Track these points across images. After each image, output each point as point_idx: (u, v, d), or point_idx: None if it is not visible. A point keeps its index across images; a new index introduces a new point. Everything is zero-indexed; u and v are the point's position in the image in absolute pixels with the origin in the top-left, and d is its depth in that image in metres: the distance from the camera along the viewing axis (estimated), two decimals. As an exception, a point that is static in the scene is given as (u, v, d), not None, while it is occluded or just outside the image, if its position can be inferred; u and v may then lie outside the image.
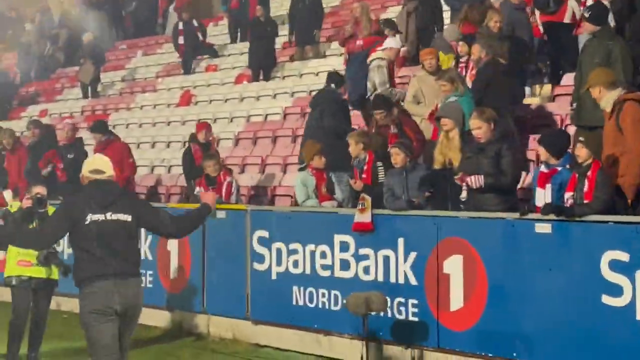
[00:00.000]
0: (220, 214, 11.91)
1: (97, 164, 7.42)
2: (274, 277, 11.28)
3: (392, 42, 13.01)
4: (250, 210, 11.73)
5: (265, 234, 11.39)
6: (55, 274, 10.10)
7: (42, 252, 9.63)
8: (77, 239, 7.10)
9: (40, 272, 10.03)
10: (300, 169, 11.62)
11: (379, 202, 10.14)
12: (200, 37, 22.11)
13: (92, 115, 21.53)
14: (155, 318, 12.75)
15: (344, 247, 10.48)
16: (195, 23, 21.90)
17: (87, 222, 7.01)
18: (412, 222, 9.90)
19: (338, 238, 10.55)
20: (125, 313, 7.06)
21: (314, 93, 17.55)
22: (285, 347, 11.16)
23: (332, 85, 12.50)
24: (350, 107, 13.00)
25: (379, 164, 10.48)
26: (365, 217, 10.06)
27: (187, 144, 14.62)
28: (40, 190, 9.83)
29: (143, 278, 12.75)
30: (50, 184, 12.06)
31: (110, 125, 20.08)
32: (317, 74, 18.70)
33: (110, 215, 7.06)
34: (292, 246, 11.07)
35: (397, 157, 10.15)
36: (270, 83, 19.04)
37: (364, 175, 10.53)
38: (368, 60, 12.84)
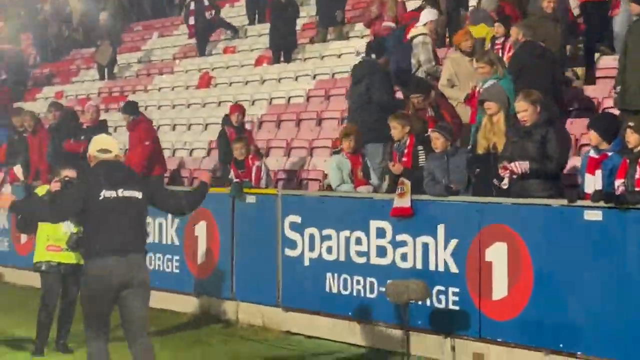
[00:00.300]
0: (250, 199, 11.71)
1: (105, 143, 7.63)
2: (306, 263, 11.02)
3: (430, 14, 12.67)
4: (281, 194, 11.44)
5: (297, 219, 11.12)
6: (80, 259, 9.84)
7: (72, 237, 9.37)
8: (89, 215, 7.29)
9: (69, 258, 9.78)
10: (335, 152, 11.31)
11: (419, 187, 9.85)
12: (212, 15, 21.56)
13: (109, 97, 21.28)
14: (182, 304, 12.54)
15: (381, 233, 10.20)
16: (206, 2, 21.43)
17: (100, 199, 7.23)
18: (453, 208, 9.62)
19: (374, 224, 10.27)
20: (128, 285, 7.24)
21: (338, 75, 17.43)
22: (317, 335, 10.92)
23: (373, 56, 12.08)
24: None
25: (420, 147, 10.17)
26: (404, 202, 9.79)
27: (221, 127, 14.20)
28: (69, 173, 9.54)
29: (169, 263, 12.68)
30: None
31: (128, 107, 19.98)
32: (339, 56, 18.43)
33: (121, 192, 7.29)
34: (325, 232, 10.80)
35: (437, 141, 9.86)
36: (292, 65, 18.72)
37: (404, 159, 10.23)
38: (409, 36, 12.49)
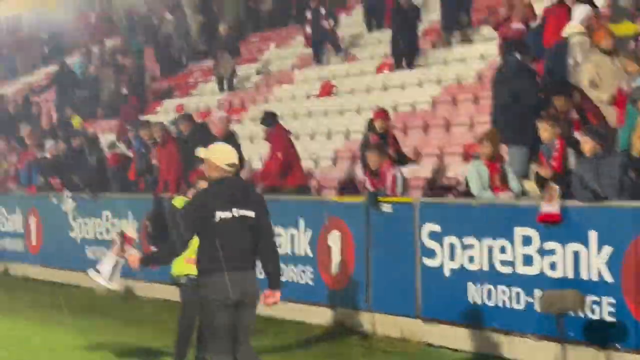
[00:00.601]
0: (386, 207, 11.42)
1: (233, 157, 7.63)
2: (446, 273, 10.68)
3: (584, 10, 12.20)
4: (419, 203, 11.11)
5: (436, 227, 10.79)
6: None
7: None
8: (204, 234, 7.46)
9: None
10: (474, 158, 10.93)
11: (568, 192, 9.42)
12: (327, 26, 21.32)
13: (230, 109, 21.26)
14: (316, 316, 12.32)
15: (527, 241, 9.79)
16: (323, 11, 21.23)
17: (215, 220, 7.38)
18: (606, 214, 9.15)
19: (519, 231, 9.87)
20: (241, 301, 7.45)
21: (464, 80, 17.03)
22: (460, 348, 10.56)
23: (517, 55, 11.63)
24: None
25: (571, 150, 9.72)
26: (553, 207, 9.37)
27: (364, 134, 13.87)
28: (206, 185, 9.38)
29: (303, 275, 12.48)
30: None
31: (251, 118, 19.95)
32: (464, 61, 18.02)
33: (236, 212, 7.43)
34: (467, 241, 10.44)
35: (586, 145, 9.40)
36: (415, 71, 18.39)
37: (553, 162, 9.79)
38: (563, 34, 12.05)
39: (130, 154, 17.10)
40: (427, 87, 17.40)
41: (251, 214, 7.49)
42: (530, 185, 10.85)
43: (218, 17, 25.63)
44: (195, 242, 8.86)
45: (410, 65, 18.71)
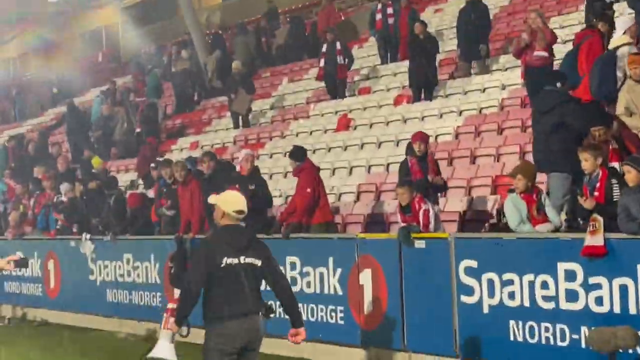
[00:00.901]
0: (419, 243, 11.13)
1: (242, 204, 7.75)
2: (485, 310, 10.35)
3: (627, 21, 11.99)
4: (454, 238, 10.82)
5: (473, 263, 10.48)
6: None
7: None
8: (211, 280, 7.51)
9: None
10: (510, 191, 10.64)
11: (613, 224, 9.11)
12: (341, 61, 21.07)
13: (246, 145, 21.02)
14: (349, 357, 11.98)
15: (570, 275, 9.48)
16: (338, 46, 21.01)
17: (222, 265, 7.48)
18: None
19: (562, 266, 9.57)
20: (247, 347, 7.56)
21: (485, 110, 16.79)
22: (502, 387, 10.22)
23: (558, 85, 11.40)
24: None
25: (614, 181, 9.42)
26: (597, 240, 9.07)
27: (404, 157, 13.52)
28: None
29: (333, 314, 12.17)
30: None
31: (267, 154, 19.72)
32: (483, 91, 17.83)
33: (243, 259, 7.56)
34: (506, 276, 10.13)
35: (629, 174, 9.11)
36: (434, 102, 18.17)
37: (596, 193, 9.47)
38: (610, 47, 11.83)
39: (150, 194, 16.85)
40: (448, 118, 17.16)
41: (257, 262, 7.63)
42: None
43: (229, 53, 25.49)
44: None
45: (429, 96, 18.48)
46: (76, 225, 17.55)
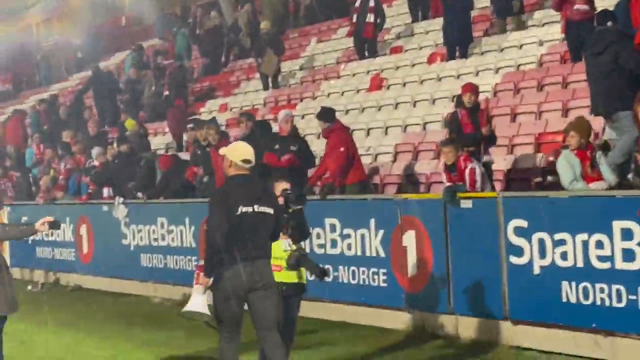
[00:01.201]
0: (465, 203, 10.82)
1: (248, 153, 7.96)
2: (536, 271, 10.03)
3: None
4: (502, 197, 10.48)
5: (523, 223, 10.14)
6: (304, 278, 9.08)
7: (293, 255, 8.64)
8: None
9: (291, 277, 9.00)
10: (564, 147, 10.29)
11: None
12: (372, 19, 20.56)
13: (276, 107, 20.70)
14: (393, 320, 11.74)
15: (627, 234, 9.13)
16: (371, 2, 20.48)
17: (237, 214, 7.71)
18: None
19: (618, 225, 9.20)
20: (255, 287, 7.82)
21: (523, 67, 16.39)
22: (555, 350, 9.92)
23: (609, 24, 10.99)
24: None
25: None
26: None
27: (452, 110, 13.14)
28: (285, 185, 8.80)
29: (376, 277, 11.91)
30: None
31: (299, 115, 19.38)
32: (520, 47, 17.37)
33: (257, 208, 7.81)
34: (558, 236, 9.78)
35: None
36: (470, 60, 17.75)
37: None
38: None
39: (184, 156, 16.58)
40: (485, 75, 16.73)
41: (270, 210, 7.90)
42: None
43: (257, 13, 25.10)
44: (275, 248, 8.44)
45: (464, 54, 18.06)
46: (108, 189, 17.31)
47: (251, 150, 8.03)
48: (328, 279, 7.64)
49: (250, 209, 7.75)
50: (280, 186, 8.71)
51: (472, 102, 12.24)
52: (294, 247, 8.70)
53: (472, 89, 12.44)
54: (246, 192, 7.80)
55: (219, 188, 8.49)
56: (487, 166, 11.74)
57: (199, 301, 8.07)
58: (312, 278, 8.91)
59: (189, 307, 8.17)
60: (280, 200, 8.47)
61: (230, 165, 7.97)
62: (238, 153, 7.97)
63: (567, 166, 9.96)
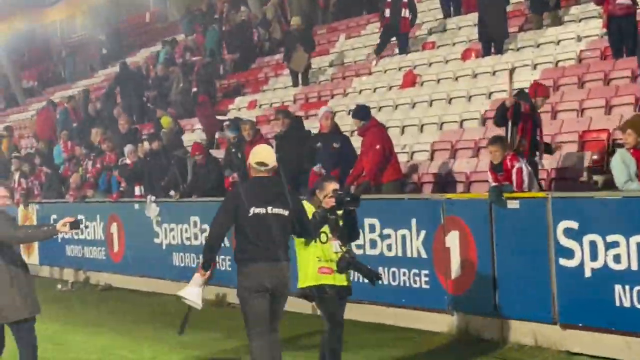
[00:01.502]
0: (512, 204, 10.53)
1: (262, 156, 8.08)
2: (587, 274, 9.73)
3: None
4: (552, 197, 10.18)
5: (573, 224, 9.84)
6: (350, 280, 8.80)
7: (344, 257, 8.40)
8: (240, 227, 7.96)
9: (341, 280, 8.70)
10: (617, 146, 9.98)
11: None
12: (406, 14, 20.26)
13: (307, 104, 20.47)
14: (436, 323, 11.48)
15: (684, 237, 8.85)
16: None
17: (250, 215, 7.87)
18: None
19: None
20: (275, 289, 7.95)
21: (562, 63, 16.06)
22: (607, 355, 9.64)
23: None
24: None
25: None
26: None
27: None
28: (336, 186, 8.54)
29: (417, 278, 11.66)
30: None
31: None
32: (558, 43, 17.05)
33: (270, 210, 7.92)
34: (610, 238, 9.48)
35: None
36: (506, 56, 17.42)
37: None
38: None
39: (217, 154, 16.37)
40: (523, 72, 16.40)
41: (285, 212, 7.97)
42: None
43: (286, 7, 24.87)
44: (303, 255, 8.28)
45: (500, 50, 17.74)
46: (140, 187, 17.10)
47: (269, 152, 8.22)
48: (380, 282, 7.37)
49: (262, 210, 7.91)
50: (331, 186, 8.47)
51: (540, 106, 11.79)
52: (344, 248, 8.48)
53: (545, 92, 11.95)
54: (259, 193, 7.95)
55: (233, 190, 8.83)
56: (533, 166, 11.40)
57: (194, 291, 8.31)
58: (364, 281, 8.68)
59: (184, 292, 8.38)
60: (331, 202, 8.24)
61: (249, 168, 8.21)
62: (254, 156, 8.13)
63: (622, 165, 9.64)
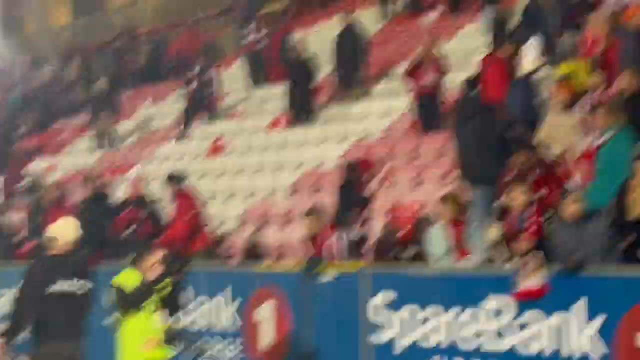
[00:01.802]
0: (328, 276, 10.39)
1: (51, 231, 8.02)
2: (397, 351, 9.65)
3: (536, 44, 11.65)
4: (368, 270, 10.09)
5: (387, 298, 9.77)
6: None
7: (169, 331, 7.96)
8: (36, 305, 7.76)
9: (164, 354, 8.19)
10: (427, 220, 10.01)
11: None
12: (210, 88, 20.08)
13: (112, 168, 19.81)
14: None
15: (498, 312, 8.90)
16: (210, 74, 19.99)
17: (46, 293, 7.72)
18: (595, 284, 8.32)
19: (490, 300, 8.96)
20: None
21: (371, 137, 16.17)
22: None
23: (475, 92, 10.93)
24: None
25: (548, 215, 8.84)
26: (534, 282, 8.47)
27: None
28: (163, 252, 8.14)
29: (227, 351, 11.30)
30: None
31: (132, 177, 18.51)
32: (366, 117, 17.21)
33: (68, 287, 7.78)
34: (424, 313, 9.45)
35: (569, 207, 8.57)
36: (317, 128, 17.42)
37: (530, 231, 8.80)
38: (523, 73, 11.45)
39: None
40: (333, 144, 16.44)
41: (79, 291, 7.88)
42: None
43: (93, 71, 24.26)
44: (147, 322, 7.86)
45: (310, 121, 17.73)
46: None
47: (57, 227, 8.07)
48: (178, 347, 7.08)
49: (58, 288, 7.76)
50: (158, 254, 8.03)
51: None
52: (169, 322, 8.02)
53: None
54: (56, 269, 7.83)
55: (31, 266, 8.16)
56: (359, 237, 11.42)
57: None
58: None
59: None
60: (159, 270, 7.79)
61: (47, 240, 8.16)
62: (47, 232, 8.14)
63: (440, 239, 9.66)
